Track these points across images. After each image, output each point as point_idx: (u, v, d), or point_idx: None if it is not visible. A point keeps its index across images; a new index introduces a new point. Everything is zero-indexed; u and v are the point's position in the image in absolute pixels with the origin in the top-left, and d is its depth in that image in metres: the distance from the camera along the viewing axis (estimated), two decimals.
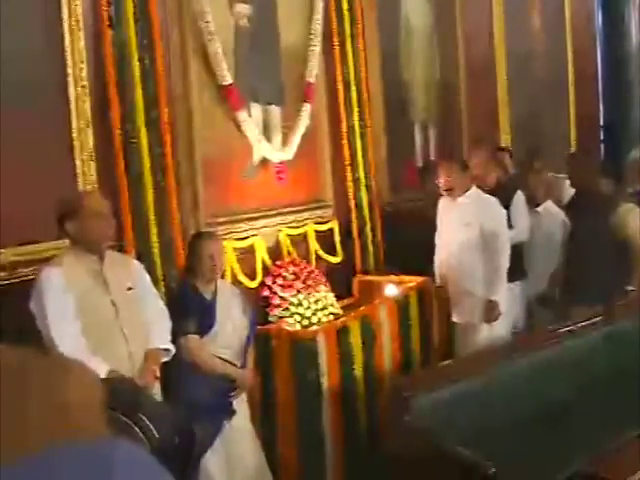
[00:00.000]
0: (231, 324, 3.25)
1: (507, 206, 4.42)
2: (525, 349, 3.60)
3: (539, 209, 4.77)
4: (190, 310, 3.12)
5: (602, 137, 7.94)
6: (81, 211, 2.71)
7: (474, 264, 4.21)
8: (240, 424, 3.27)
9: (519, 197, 4.63)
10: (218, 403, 3.18)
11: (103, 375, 2.58)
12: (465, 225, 4.21)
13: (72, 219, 2.71)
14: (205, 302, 3.22)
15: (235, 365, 3.24)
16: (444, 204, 4.39)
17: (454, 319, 4.35)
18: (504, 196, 4.45)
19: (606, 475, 2.77)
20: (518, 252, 4.52)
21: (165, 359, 2.92)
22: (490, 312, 4.14)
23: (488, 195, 4.31)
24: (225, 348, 3.22)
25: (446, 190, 4.29)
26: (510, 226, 4.44)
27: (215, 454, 3.14)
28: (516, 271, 4.46)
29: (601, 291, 4.23)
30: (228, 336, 3.23)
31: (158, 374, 2.85)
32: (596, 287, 4.24)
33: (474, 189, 4.31)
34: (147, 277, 3.03)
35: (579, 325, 3.89)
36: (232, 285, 3.56)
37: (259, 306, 4.03)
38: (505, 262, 4.16)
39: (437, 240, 4.44)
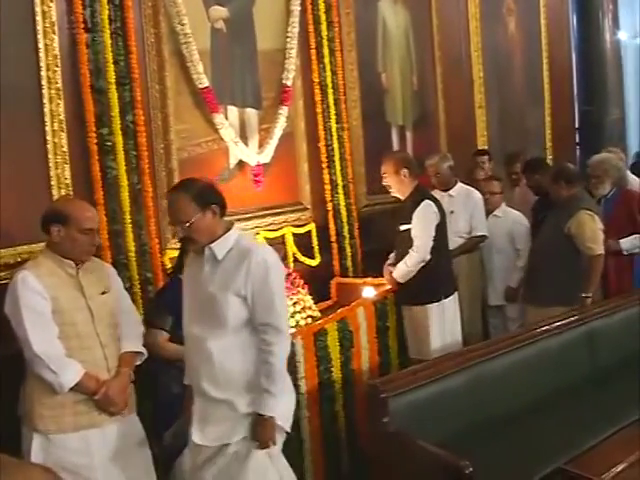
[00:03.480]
0: None
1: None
2: (502, 349, 3.62)
3: (497, 212, 4.94)
4: (172, 308, 3.08)
5: (577, 139, 8.00)
6: (70, 222, 2.67)
7: (233, 355, 2.58)
8: None
9: (420, 209, 4.01)
10: None
11: (78, 379, 2.61)
12: (220, 293, 2.55)
13: (59, 225, 2.68)
14: None
15: None
16: (192, 261, 2.75)
17: (198, 441, 2.64)
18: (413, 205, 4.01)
19: (582, 472, 2.80)
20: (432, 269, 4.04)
21: (137, 362, 2.92)
22: (265, 432, 2.57)
23: (252, 243, 2.69)
24: None
25: (187, 240, 2.62)
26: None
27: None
28: (440, 290, 4.12)
29: (554, 294, 4.20)
30: None
31: (133, 377, 2.86)
32: (549, 290, 4.24)
33: (234, 231, 2.61)
34: (120, 282, 3.02)
35: (555, 325, 3.93)
36: None
37: None
38: (286, 346, 2.64)
39: None
